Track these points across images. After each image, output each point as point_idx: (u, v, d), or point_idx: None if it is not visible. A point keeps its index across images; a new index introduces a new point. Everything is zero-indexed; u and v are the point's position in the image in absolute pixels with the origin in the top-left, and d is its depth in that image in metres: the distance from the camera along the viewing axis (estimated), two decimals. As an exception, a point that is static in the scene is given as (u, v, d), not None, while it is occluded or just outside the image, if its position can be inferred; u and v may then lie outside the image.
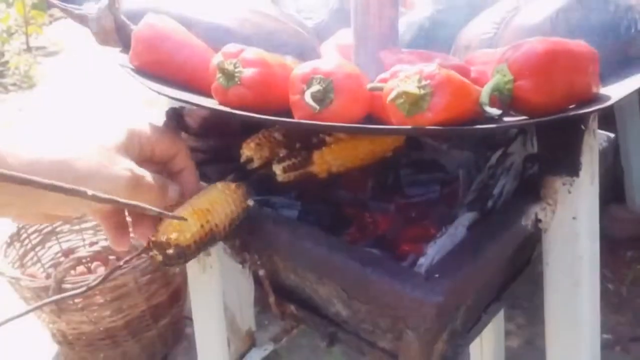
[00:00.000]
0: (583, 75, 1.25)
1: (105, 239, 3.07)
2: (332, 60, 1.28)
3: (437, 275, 1.22)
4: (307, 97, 1.19)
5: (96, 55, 5.66)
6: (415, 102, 1.14)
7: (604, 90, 1.30)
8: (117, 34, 1.51)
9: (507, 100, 1.21)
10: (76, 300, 2.59)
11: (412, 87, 1.14)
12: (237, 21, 1.48)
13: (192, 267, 1.43)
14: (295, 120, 1.22)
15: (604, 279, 3.15)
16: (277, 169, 1.44)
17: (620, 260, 3.26)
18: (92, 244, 3.03)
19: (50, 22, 6.54)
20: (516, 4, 1.54)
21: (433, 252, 1.31)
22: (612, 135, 1.70)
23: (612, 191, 3.37)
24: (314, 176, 1.46)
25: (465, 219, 1.38)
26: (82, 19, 1.57)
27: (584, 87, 1.26)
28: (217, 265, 1.39)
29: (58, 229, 3.00)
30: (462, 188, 1.52)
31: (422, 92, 1.14)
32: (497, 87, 1.20)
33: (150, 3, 1.55)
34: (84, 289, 1.27)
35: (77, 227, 3.05)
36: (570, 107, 1.23)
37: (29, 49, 5.86)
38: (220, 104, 1.30)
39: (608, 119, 3.28)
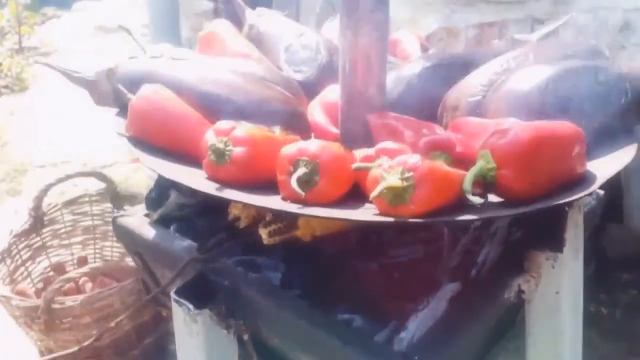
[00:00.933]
0: (568, 160, 1.27)
1: (94, 259, 3.08)
2: (318, 141, 1.30)
3: (416, 358, 1.24)
4: (294, 183, 1.21)
5: (88, 56, 5.66)
6: (398, 194, 1.16)
7: (592, 165, 1.32)
8: (114, 97, 1.55)
9: (490, 186, 1.23)
10: (64, 321, 2.60)
11: (395, 180, 1.15)
12: (228, 88, 1.50)
13: (180, 333, 1.46)
14: (280, 208, 1.23)
15: (598, 302, 3.12)
16: (263, 233, 1.45)
17: (616, 282, 3.23)
18: (80, 258, 3.03)
19: (43, 22, 6.52)
20: (506, 65, 1.55)
21: (414, 327, 1.32)
22: (601, 192, 1.70)
23: (610, 211, 3.35)
24: (299, 239, 1.47)
25: (448, 291, 1.39)
26: (80, 82, 1.61)
27: (569, 171, 1.27)
28: (203, 332, 1.41)
29: (48, 244, 3.00)
30: (446, 249, 1.52)
31: (405, 184, 1.15)
32: (480, 174, 1.21)
33: (146, 67, 1.58)
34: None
35: (66, 242, 3.05)
36: (554, 190, 1.24)
37: (21, 50, 5.83)
38: (210, 179, 1.33)
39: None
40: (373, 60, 1.48)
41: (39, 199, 2.87)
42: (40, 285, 2.93)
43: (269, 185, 1.30)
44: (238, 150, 1.30)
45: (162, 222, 1.59)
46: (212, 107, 1.46)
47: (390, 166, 1.18)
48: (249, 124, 1.36)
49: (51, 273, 2.99)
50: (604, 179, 1.27)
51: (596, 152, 1.36)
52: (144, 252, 1.60)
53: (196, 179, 1.32)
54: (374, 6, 1.44)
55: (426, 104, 1.59)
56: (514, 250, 1.45)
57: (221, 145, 1.30)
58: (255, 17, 1.91)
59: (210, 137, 1.32)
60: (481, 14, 3.09)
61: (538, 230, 1.40)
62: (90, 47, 5.95)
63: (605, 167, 1.31)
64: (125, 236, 1.62)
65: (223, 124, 1.34)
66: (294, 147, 1.27)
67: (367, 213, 1.21)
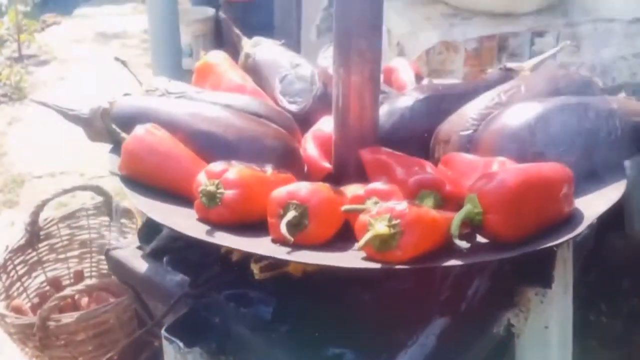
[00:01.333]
0: (555, 202, 1.28)
1: (91, 273, 3.09)
2: (308, 184, 1.31)
3: (405, 399, 1.25)
4: (283, 228, 1.23)
5: (86, 64, 5.67)
6: (385, 241, 1.17)
7: (581, 202, 1.34)
8: (108, 135, 1.58)
9: (478, 228, 1.24)
10: (60, 337, 2.61)
11: (382, 227, 1.17)
12: (221, 127, 1.52)
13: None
14: (267, 254, 1.26)
15: (599, 310, 3.10)
16: (255, 268, 1.45)
17: (617, 290, 3.20)
18: (77, 272, 3.04)
19: (43, 29, 6.51)
20: (497, 99, 1.56)
21: (403, 363, 1.33)
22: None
23: (610, 218, 3.32)
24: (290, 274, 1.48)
25: (437, 326, 1.39)
26: (75, 119, 1.63)
27: (556, 212, 1.29)
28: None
29: (44, 259, 3.01)
30: (437, 282, 1.53)
31: (392, 231, 1.17)
32: (467, 217, 1.23)
33: (140, 104, 1.61)
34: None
35: (62, 256, 3.06)
36: (542, 230, 1.25)
37: (20, 58, 5.82)
38: (201, 220, 1.36)
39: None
40: (366, 97, 1.50)
41: (35, 214, 2.89)
42: (36, 300, 2.95)
43: (261, 225, 1.32)
44: (229, 193, 1.32)
45: (154, 255, 1.60)
46: (205, 145, 1.49)
47: (378, 212, 1.19)
48: (240, 165, 1.37)
49: (47, 288, 3.00)
50: (591, 219, 1.29)
51: (585, 189, 1.38)
52: (137, 285, 1.61)
53: (187, 222, 1.34)
54: (367, 45, 1.45)
55: (419, 137, 1.61)
56: (504, 284, 1.46)
57: (212, 188, 1.33)
58: (251, 46, 1.92)
59: (202, 180, 1.34)
60: (481, 28, 3.10)
61: (527, 266, 1.41)
62: (90, 54, 5.96)
63: (594, 205, 1.33)
64: (118, 269, 1.62)
65: (215, 166, 1.36)
66: (284, 190, 1.29)
67: (354, 259, 1.22)
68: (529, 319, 1.44)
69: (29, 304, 2.93)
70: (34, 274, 3.02)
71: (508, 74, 1.71)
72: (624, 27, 3.15)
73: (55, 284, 3.01)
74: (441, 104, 1.65)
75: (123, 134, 1.50)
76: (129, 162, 1.47)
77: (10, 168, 4.28)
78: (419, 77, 1.90)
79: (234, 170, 1.34)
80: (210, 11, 5.34)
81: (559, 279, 1.40)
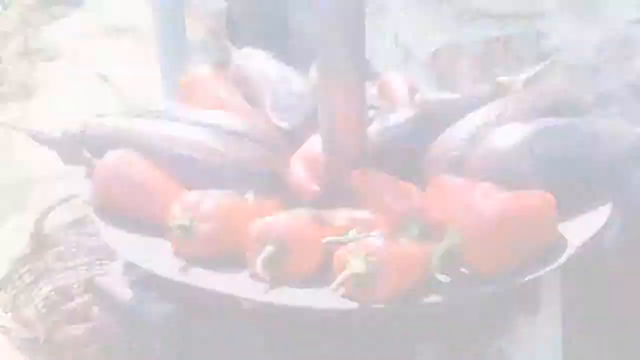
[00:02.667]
0: (537, 231, 1.28)
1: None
2: (287, 218, 1.29)
3: None
4: (259, 266, 1.21)
5: (97, 59, 5.62)
6: (362, 279, 1.16)
7: (565, 227, 1.33)
8: (82, 160, 1.53)
9: (459, 262, 1.23)
10: (69, 350, 2.60)
11: (358, 265, 1.15)
12: (202, 151, 1.48)
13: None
14: (241, 296, 1.24)
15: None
16: (242, 297, 1.44)
17: None
18: (87, 280, 3.01)
19: (51, 21, 6.31)
20: (486, 119, 1.54)
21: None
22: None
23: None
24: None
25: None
26: (46, 142, 1.59)
27: (539, 242, 1.28)
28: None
29: (52, 267, 2.98)
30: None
31: (369, 269, 1.15)
32: (448, 251, 1.21)
33: (116, 126, 1.58)
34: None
35: (71, 264, 3.05)
36: (526, 260, 1.25)
37: (26, 53, 5.75)
38: (177, 254, 1.33)
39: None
40: (352, 119, 1.48)
41: (40, 222, 2.86)
42: (44, 310, 2.91)
43: (241, 256, 1.30)
44: (205, 227, 1.29)
45: (141, 282, 1.57)
46: (185, 172, 1.45)
47: (355, 249, 1.17)
48: (218, 194, 1.34)
49: (56, 297, 2.98)
50: (575, 247, 1.29)
51: (570, 213, 1.37)
52: (123, 316, 1.59)
53: (160, 258, 1.32)
54: (350, 68, 1.43)
55: (410, 156, 1.59)
56: (493, 309, 1.44)
57: (187, 222, 1.29)
58: (241, 58, 1.89)
59: (176, 213, 1.31)
60: (486, 29, 3.09)
61: (513, 292, 1.39)
62: (101, 48, 5.91)
63: (578, 231, 1.33)
64: (103, 298, 1.59)
65: (189, 197, 1.33)
66: (261, 224, 1.26)
67: (332, 298, 1.20)
68: (519, 345, 1.41)
69: (37, 315, 2.91)
70: (41, 284, 2.97)
71: (500, 89, 1.68)
72: (627, 27, 3.14)
73: (64, 293, 2.98)
74: (432, 121, 1.62)
75: (94, 161, 1.47)
76: (100, 193, 1.44)
77: (17, 169, 4.24)
78: (412, 91, 1.87)
79: (210, 201, 1.31)
80: (221, 3, 5.25)
81: (547, 305, 1.38)
